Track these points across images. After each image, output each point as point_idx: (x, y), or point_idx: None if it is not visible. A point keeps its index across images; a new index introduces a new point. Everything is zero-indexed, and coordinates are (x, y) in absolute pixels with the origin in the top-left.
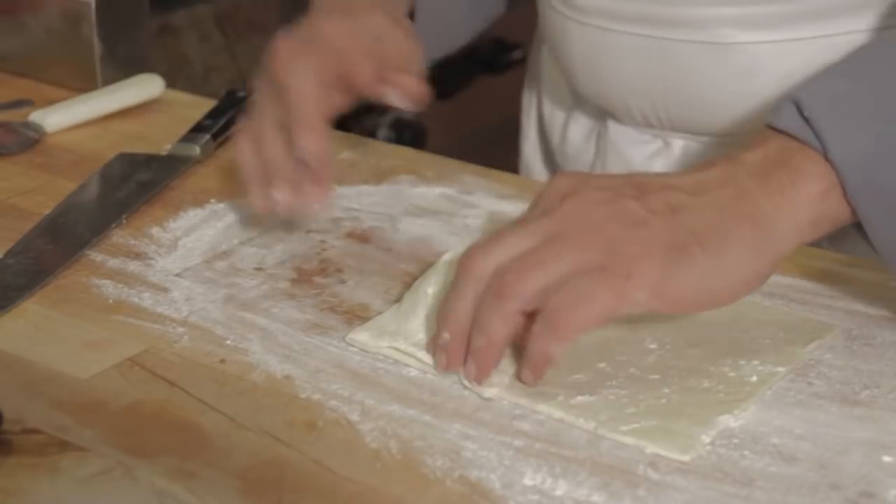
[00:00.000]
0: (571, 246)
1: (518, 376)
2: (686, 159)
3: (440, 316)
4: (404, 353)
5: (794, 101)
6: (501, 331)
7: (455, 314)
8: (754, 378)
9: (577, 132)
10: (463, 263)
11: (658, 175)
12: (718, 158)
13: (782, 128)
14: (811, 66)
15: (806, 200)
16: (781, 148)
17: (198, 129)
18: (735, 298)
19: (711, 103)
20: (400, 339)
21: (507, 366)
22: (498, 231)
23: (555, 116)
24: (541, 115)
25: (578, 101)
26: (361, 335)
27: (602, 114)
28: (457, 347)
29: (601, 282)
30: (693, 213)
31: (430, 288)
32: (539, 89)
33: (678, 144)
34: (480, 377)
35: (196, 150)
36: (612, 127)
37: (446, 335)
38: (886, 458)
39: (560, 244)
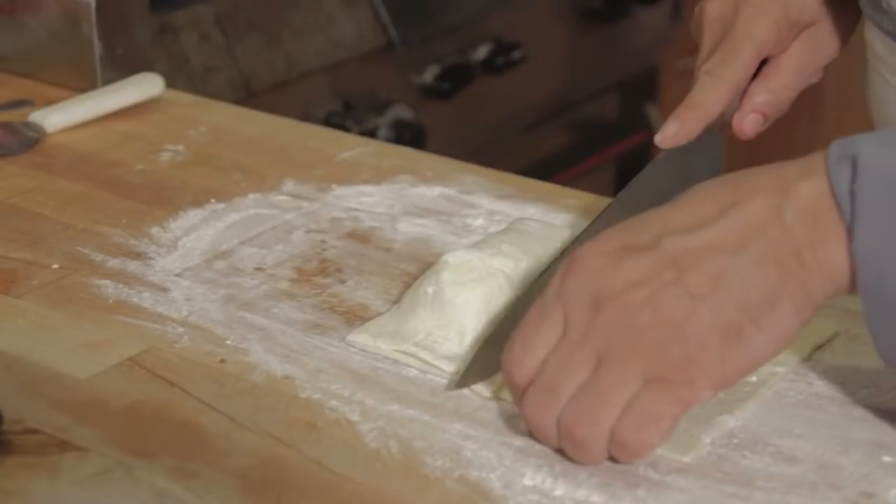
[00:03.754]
0: (625, 366)
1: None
2: None
3: None
4: (404, 353)
5: (853, 159)
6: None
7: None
8: (754, 378)
9: None
10: (522, 408)
11: (692, 230)
12: (767, 178)
13: (831, 178)
14: None
15: (838, 263)
16: (825, 194)
17: None
18: (778, 353)
19: None
20: (400, 339)
21: None
22: (544, 369)
23: None
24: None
25: None
26: (361, 336)
27: None
28: None
29: (665, 398)
30: (738, 280)
31: (429, 288)
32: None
33: None
34: None
35: None
36: None
37: None
38: (886, 458)
39: (613, 368)
